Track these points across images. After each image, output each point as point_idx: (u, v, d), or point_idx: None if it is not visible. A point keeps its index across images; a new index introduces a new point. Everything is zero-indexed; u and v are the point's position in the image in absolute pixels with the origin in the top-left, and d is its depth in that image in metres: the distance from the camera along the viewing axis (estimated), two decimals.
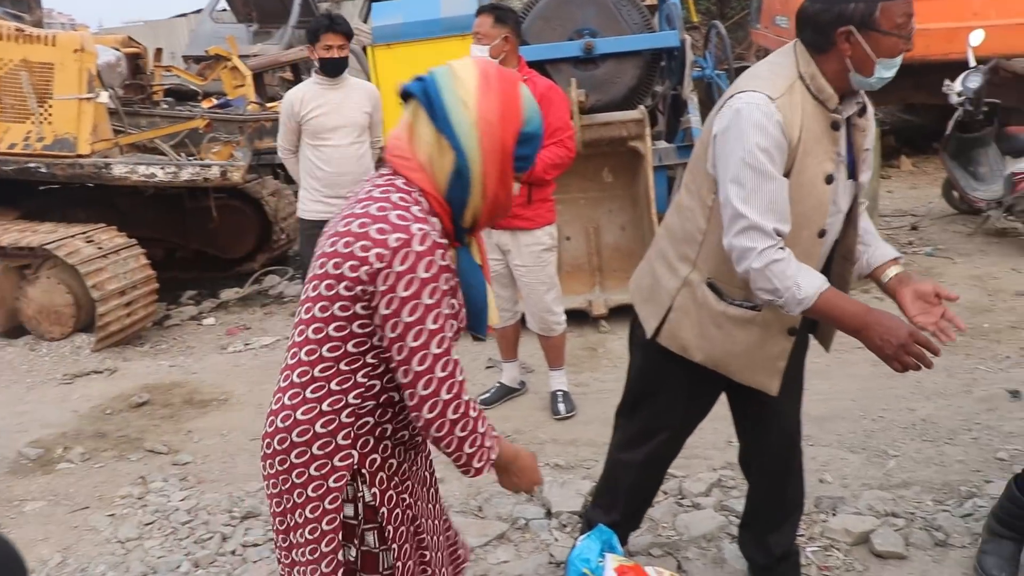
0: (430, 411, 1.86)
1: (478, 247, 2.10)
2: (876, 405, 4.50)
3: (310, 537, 1.97)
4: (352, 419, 1.95)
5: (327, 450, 1.95)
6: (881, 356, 2.30)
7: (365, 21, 9.10)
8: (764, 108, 2.29)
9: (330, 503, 1.96)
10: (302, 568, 2.00)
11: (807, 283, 2.29)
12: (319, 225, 4.93)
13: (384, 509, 2.00)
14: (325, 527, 1.97)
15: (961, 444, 4.03)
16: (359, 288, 1.83)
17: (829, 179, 2.39)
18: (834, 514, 3.47)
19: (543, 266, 4.41)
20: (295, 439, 1.95)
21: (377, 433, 1.98)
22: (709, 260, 2.51)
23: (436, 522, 2.22)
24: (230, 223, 7.41)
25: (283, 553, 2.06)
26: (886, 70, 2.34)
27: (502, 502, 3.66)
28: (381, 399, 1.96)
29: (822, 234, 2.44)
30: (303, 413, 1.94)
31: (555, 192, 4.52)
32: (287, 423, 1.96)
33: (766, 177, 2.29)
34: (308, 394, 1.94)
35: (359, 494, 1.98)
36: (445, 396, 1.86)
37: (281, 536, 2.05)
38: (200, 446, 4.57)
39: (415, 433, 2.06)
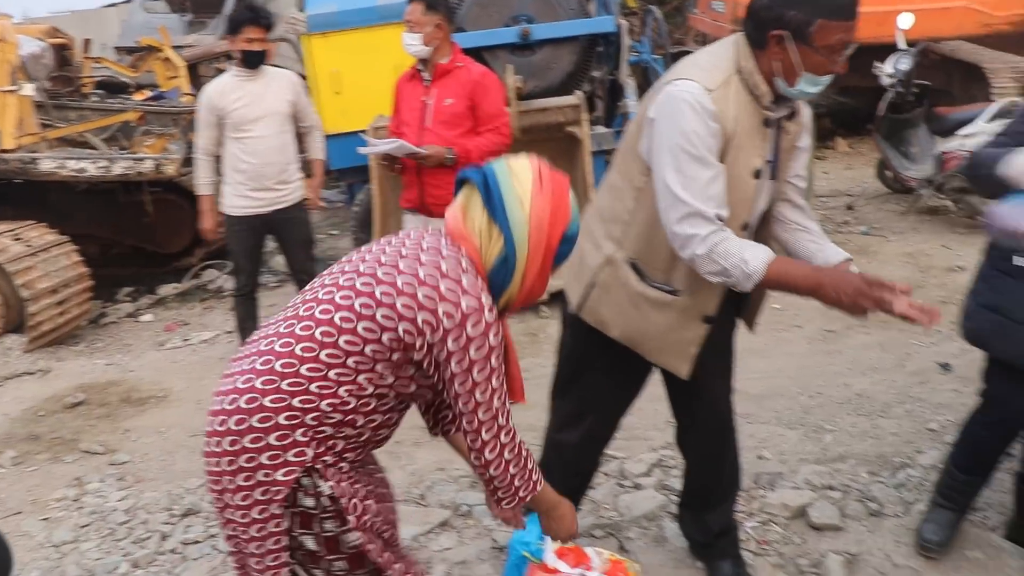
0: (491, 452, 2.08)
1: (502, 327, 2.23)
2: (813, 382, 4.58)
3: (257, 517, 2.00)
4: (315, 423, 1.99)
5: (283, 443, 1.98)
6: (842, 308, 2.30)
7: (301, 10, 9.00)
8: (700, 98, 2.30)
9: (276, 494, 1.98)
10: (250, 548, 2.03)
11: (753, 257, 2.31)
12: (245, 221, 4.94)
13: (344, 499, 2.03)
14: (274, 511, 1.99)
15: (895, 417, 4.12)
16: (404, 334, 1.95)
17: (757, 174, 2.42)
18: (772, 489, 3.52)
19: None
20: (255, 423, 1.97)
21: (329, 443, 2.03)
22: (634, 241, 2.53)
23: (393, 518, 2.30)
24: (167, 217, 7.29)
25: (228, 533, 2.09)
26: (809, 85, 2.34)
27: (444, 489, 3.66)
28: (347, 417, 2.02)
29: (745, 227, 2.48)
30: (271, 401, 1.97)
31: None
32: (251, 406, 1.98)
33: (704, 164, 2.30)
34: (284, 386, 1.97)
35: (318, 488, 2.01)
36: (504, 439, 2.09)
37: (222, 512, 2.07)
38: (138, 445, 4.49)
39: (360, 456, 2.13)
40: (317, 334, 1.98)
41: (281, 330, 2.04)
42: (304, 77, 6.59)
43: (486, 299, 1.99)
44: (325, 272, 2.14)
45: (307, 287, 2.15)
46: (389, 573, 2.12)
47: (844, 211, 7.78)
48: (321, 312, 2.00)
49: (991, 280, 2.81)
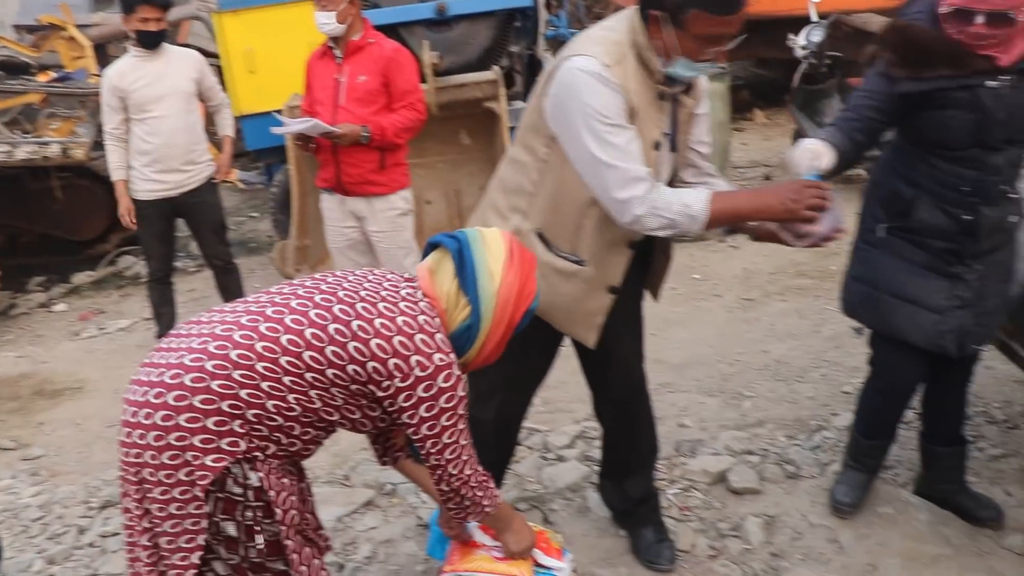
0: (457, 481, 2.22)
1: None
2: (732, 350, 4.66)
3: (179, 497, 1.98)
4: (256, 420, 2.00)
5: (220, 429, 1.98)
6: (793, 217, 2.36)
7: None
8: (601, 71, 2.32)
9: (201, 478, 1.97)
10: (165, 527, 2.01)
11: (694, 199, 2.36)
12: (154, 205, 4.83)
13: (272, 492, 2.04)
14: (197, 493, 1.98)
15: (811, 381, 4.22)
16: (371, 371, 2.02)
17: (656, 146, 2.46)
18: (693, 456, 3.58)
19: (400, 231, 4.38)
20: (196, 403, 1.97)
21: (262, 443, 2.04)
22: (540, 212, 2.54)
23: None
24: (78, 203, 7.05)
25: (141, 515, 2.05)
26: (684, 69, 2.37)
27: (368, 469, 3.64)
28: (287, 423, 2.04)
29: None
30: (219, 387, 1.97)
31: (413, 156, 4.49)
32: (197, 385, 1.97)
33: (621, 128, 2.34)
34: (235, 375, 1.98)
35: (247, 479, 2.01)
36: (468, 471, 2.23)
37: (138, 490, 2.03)
38: (53, 438, 4.38)
39: (284, 464, 2.14)
40: (283, 340, 2.00)
41: (243, 321, 2.04)
42: (217, 56, 6.47)
43: (453, 356, 2.10)
44: (297, 282, 2.18)
45: (275, 291, 2.15)
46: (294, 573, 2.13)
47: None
48: (292, 321, 2.02)
49: (859, 252, 2.90)
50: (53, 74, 7.81)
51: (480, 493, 2.29)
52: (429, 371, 2.03)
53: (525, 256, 2.22)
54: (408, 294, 2.12)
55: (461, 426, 2.16)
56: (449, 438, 2.13)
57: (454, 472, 2.20)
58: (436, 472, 2.21)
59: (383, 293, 2.09)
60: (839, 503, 3.13)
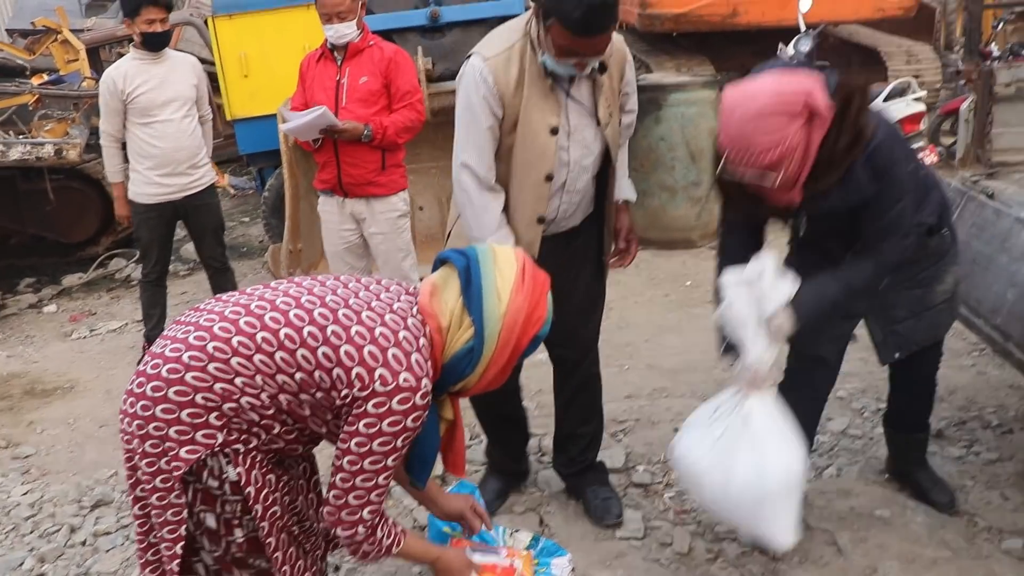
0: (349, 515, 2.03)
1: (452, 406, 2.25)
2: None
3: (160, 486, 1.99)
4: (232, 413, 1.97)
5: (195, 421, 1.95)
6: None
7: None
8: (478, 68, 2.64)
9: (176, 468, 1.97)
10: (155, 512, 2.03)
11: (481, 227, 2.75)
12: (155, 208, 4.81)
13: (251, 488, 2.01)
14: (175, 484, 1.98)
15: None
16: (335, 379, 1.95)
17: (554, 131, 2.67)
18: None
19: (399, 232, 4.37)
20: (171, 395, 1.95)
21: (243, 437, 2.00)
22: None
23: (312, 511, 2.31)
24: (70, 205, 7.00)
25: (136, 503, 2.11)
26: (554, 64, 2.60)
27: None
28: (263, 421, 2.00)
29: (549, 178, 2.76)
30: (193, 378, 1.95)
31: (407, 162, 4.48)
32: (173, 376, 1.96)
33: (476, 125, 2.68)
34: (211, 368, 1.96)
35: (224, 473, 1.99)
36: (366, 515, 2.04)
37: (133, 484, 2.08)
38: (44, 437, 4.35)
39: (273, 458, 2.10)
40: (258, 338, 1.97)
41: (226, 313, 2.03)
42: (212, 63, 6.47)
43: (425, 383, 1.96)
44: (295, 280, 2.14)
45: (270, 286, 2.13)
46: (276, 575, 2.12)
47: None
48: (271, 320, 1.99)
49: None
50: (46, 77, 7.80)
51: (360, 541, 2.07)
52: (389, 388, 1.92)
53: (538, 278, 2.11)
54: (400, 308, 2.04)
55: (390, 463, 1.99)
56: (370, 465, 1.97)
57: (353, 503, 2.02)
58: (333, 497, 2.02)
59: (374, 304, 2.03)
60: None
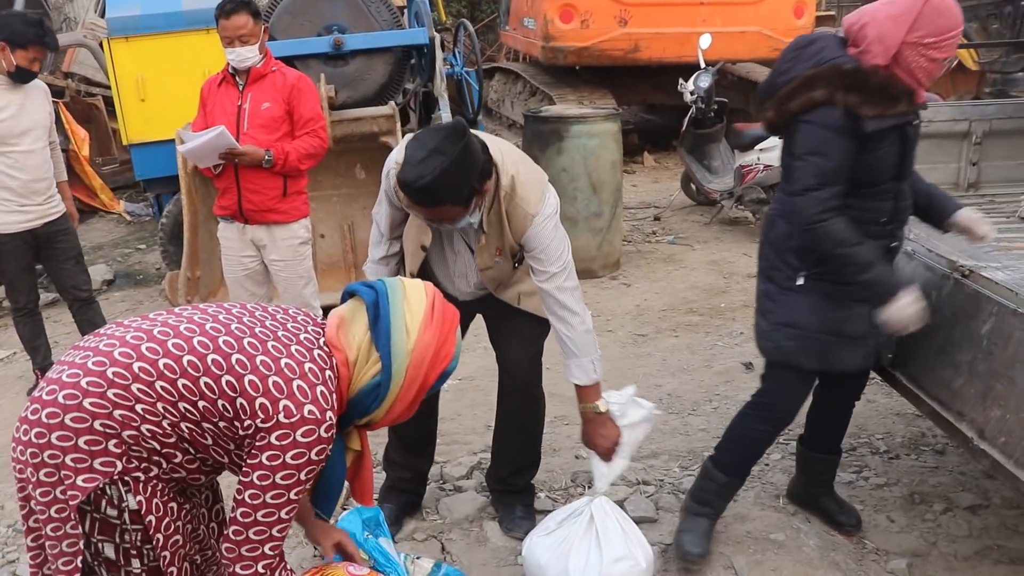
0: (249, 551, 1.97)
1: (360, 437, 2.23)
2: (626, 383, 4.62)
3: (55, 516, 1.92)
4: (132, 441, 1.92)
5: (93, 448, 1.90)
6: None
7: (102, 16, 8.58)
8: (390, 163, 2.84)
9: (72, 498, 1.90)
10: (50, 544, 1.95)
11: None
12: (20, 237, 4.59)
13: (152, 516, 1.96)
14: (71, 514, 1.91)
15: (703, 414, 4.32)
16: (239, 408, 1.91)
17: (423, 248, 3.01)
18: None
19: (300, 260, 4.32)
20: (68, 422, 1.89)
21: (143, 465, 1.95)
22: None
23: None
24: None
25: (29, 534, 2.04)
26: None
27: None
28: (164, 450, 1.95)
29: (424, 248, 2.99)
30: (91, 405, 1.89)
31: (309, 189, 4.44)
32: (70, 402, 1.89)
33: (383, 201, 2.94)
34: (109, 394, 1.89)
35: (123, 502, 1.93)
36: (267, 551, 1.98)
37: (26, 515, 2.02)
38: None
39: (174, 488, 2.06)
40: (160, 364, 1.92)
41: (128, 338, 1.97)
42: (106, 86, 6.28)
43: (330, 416, 1.94)
44: (191, 308, 2.09)
45: (175, 312, 2.08)
46: None
47: (652, 222, 8.12)
48: (173, 346, 1.94)
49: (780, 298, 2.92)
50: None
51: None
52: (293, 420, 1.89)
53: (447, 313, 2.11)
54: (306, 339, 2.02)
55: (292, 496, 1.94)
56: (272, 499, 1.93)
57: (254, 538, 1.96)
58: (233, 533, 1.97)
59: (280, 333, 2.01)
60: (689, 554, 3.09)
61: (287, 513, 1.96)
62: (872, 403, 4.26)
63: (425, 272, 3.06)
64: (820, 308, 2.84)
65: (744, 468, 3.21)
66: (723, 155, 8.02)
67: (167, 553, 2.00)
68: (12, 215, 4.51)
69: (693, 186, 8.32)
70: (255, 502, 1.93)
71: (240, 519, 1.95)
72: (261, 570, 1.99)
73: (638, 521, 3.34)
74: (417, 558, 2.84)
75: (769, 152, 7.07)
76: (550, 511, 3.41)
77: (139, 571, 2.00)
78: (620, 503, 3.44)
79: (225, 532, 2.00)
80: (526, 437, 3.36)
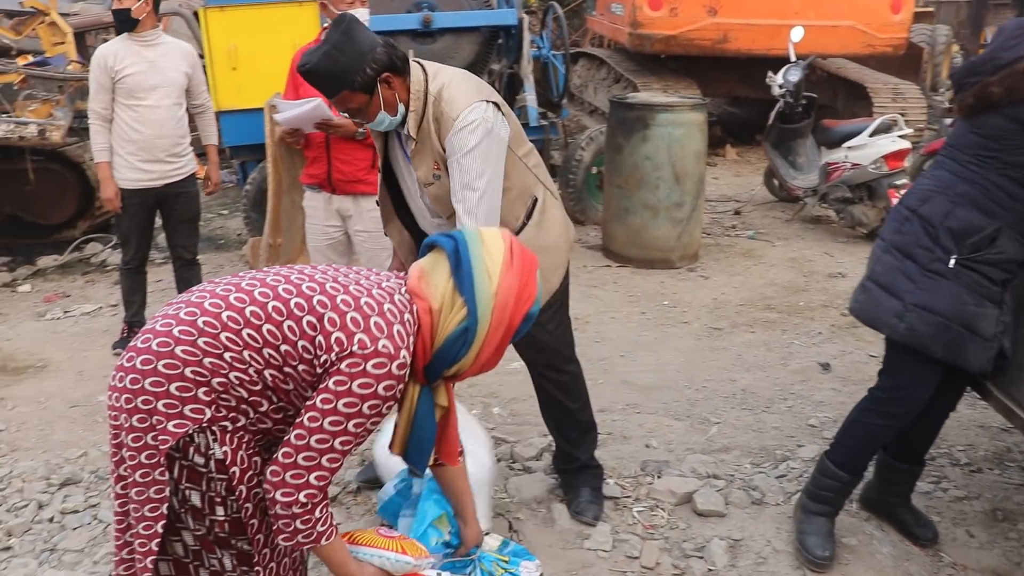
0: (293, 478, 1.95)
1: (447, 392, 2.25)
2: (700, 376, 4.71)
3: (145, 462, 1.97)
4: (221, 388, 1.97)
5: (183, 395, 1.96)
6: None
7: None
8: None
9: (163, 443, 1.96)
10: (137, 490, 2.01)
11: None
12: (136, 195, 4.78)
13: (236, 468, 2.01)
14: (161, 460, 1.96)
15: (777, 412, 4.27)
16: (316, 347, 1.95)
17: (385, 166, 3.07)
18: (659, 476, 3.61)
19: None
20: (160, 368, 1.95)
21: (231, 414, 2.00)
22: None
23: None
24: (48, 188, 6.92)
25: (118, 479, 2.09)
26: None
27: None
28: (252, 397, 2.00)
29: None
30: (183, 352, 1.96)
31: None
32: (163, 349, 1.96)
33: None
34: (200, 342, 1.96)
35: (210, 451, 1.98)
36: (313, 480, 1.96)
37: (117, 462, 2.07)
38: (14, 414, 4.31)
39: (261, 441, 2.09)
40: (247, 311, 1.99)
41: (218, 291, 2.05)
42: (199, 54, 6.43)
43: (404, 355, 1.97)
44: (285, 267, 2.15)
45: (262, 269, 2.14)
46: (256, 557, 2.10)
47: (732, 216, 8.02)
48: (260, 295, 2.01)
49: (925, 281, 2.78)
50: (32, 58, 7.72)
51: (299, 517, 1.97)
52: (366, 351, 1.92)
53: (526, 257, 2.14)
54: (387, 287, 2.07)
55: (351, 428, 1.94)
56: (330, 425, 1.92)
57: (302, 463, 1.94)
58: (282, 455, 1.95)
59: (362, 281, 2.07)
60: (820, 558, 3.01)
61: (341, 445, 1.95)
62: (954, 413, 4.15)
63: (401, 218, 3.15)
64: (961, 298, 2.74)
65: (863, 465, 3.11)
66: (808, 152, 7.87)
67: (249, 505, 2.05)
68: (132, 171, 4.75)
69: (776, 181, 8.19)
70: (312, 425, 1.94)
71: (293, 441, 1.95)
72: (303, 499, 1.96)
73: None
74: (486, 534, 2.87)
75: (857, 150, 6.93)
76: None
77: (223, 519, 2.05)
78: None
79: (274, 455, 1.99)
80: (568, 407, 3.32)
